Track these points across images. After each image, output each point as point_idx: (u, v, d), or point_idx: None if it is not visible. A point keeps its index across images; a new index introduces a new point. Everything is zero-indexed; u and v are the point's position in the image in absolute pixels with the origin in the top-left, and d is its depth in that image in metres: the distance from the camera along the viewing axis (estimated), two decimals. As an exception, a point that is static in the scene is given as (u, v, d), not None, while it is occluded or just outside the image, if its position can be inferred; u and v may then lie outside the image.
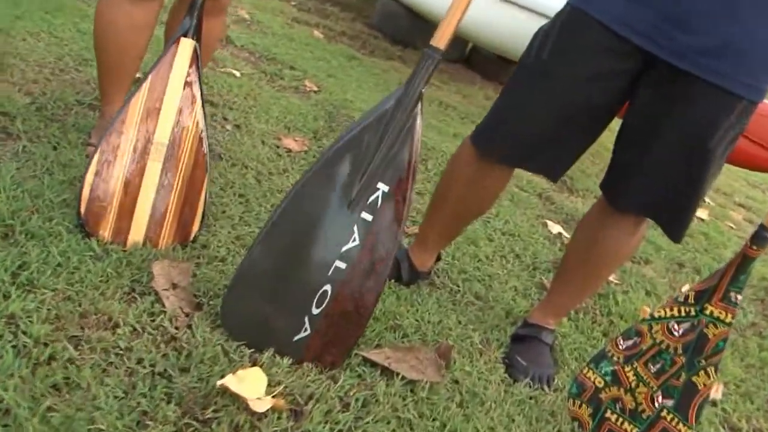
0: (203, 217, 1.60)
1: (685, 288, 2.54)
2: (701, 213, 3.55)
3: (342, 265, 1.35)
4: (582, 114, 1.49)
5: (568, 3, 1.50)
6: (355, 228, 1.34)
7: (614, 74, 1.45)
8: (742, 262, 1.39)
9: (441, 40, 1.34)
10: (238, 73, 2.88)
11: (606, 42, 1.42)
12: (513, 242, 2.34)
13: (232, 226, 1.76)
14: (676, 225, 1.55)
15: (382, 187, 1.34)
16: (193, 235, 1.59)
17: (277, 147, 2.33)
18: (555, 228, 2.62)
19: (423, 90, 1.35)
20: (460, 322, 1.75)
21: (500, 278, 2.06)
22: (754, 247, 1.38)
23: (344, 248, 1.35)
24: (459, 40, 4.44)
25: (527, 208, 2.70)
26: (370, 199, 1.34)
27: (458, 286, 1.92)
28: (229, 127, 2.35)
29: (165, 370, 1.25)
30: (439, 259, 1.88)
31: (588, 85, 1.46)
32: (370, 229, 1.34)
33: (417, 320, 1.67)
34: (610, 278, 2.30)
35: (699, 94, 1.40)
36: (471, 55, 5.00)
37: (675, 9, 1.36)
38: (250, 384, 1.23)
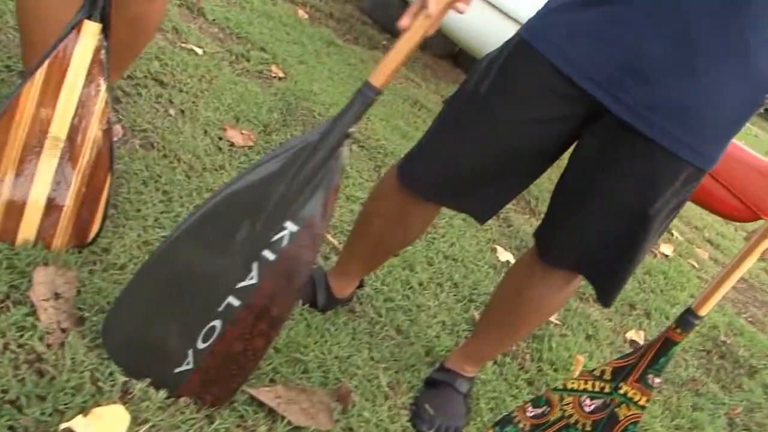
0: (104, 218, 1.48)
1: (630, 334, 2.45)
2: (665, 249, 3.46)
3: (235, 302, 1.24)
4: (518, 157, 1.37)
5: (517, 32, 1.36)
6: (255, 266, 1.23)
7: (558, 119, 1.33)
8: (664, 345, 1.29)
9: (379, 78, 1.22)
10: (200, 51, 2.73)
11: (552, 83, 1.29)
12: (454, 268, 2.23)
13: (143, 228, 1.64)
14: (606, 289, 1.45)
15: (290, 227, 1.22)
16: (91, 237, 1.47)
17: (220, 139, 2.20)
18: (504, 255, 2.50)
19: (351, 129, 1.24)
20: (372, 359, 1.64)
21: (429, 310, 1.96)
22: (678, 331, 1.29)
23: (240, 284, 1.24)
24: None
25: (479, 230, 2.59)
26: (275, 238, 1.22)
27: (380, 316, 1.81)
28: (172, 111, 2.21)
29: (18, 397, 1.13)
30: (361, 285, 1.77)
31: (528, 128, 1.33)
32: (271, 269, 1.23)
33: (323, 354, 1.56)
34: (551, 318, 2.21)
35: (644, 153, 1.28)
36: (461, 53, 4.82)
37: (633, 59, 1.24)
38: (108, 423, 1.13)
